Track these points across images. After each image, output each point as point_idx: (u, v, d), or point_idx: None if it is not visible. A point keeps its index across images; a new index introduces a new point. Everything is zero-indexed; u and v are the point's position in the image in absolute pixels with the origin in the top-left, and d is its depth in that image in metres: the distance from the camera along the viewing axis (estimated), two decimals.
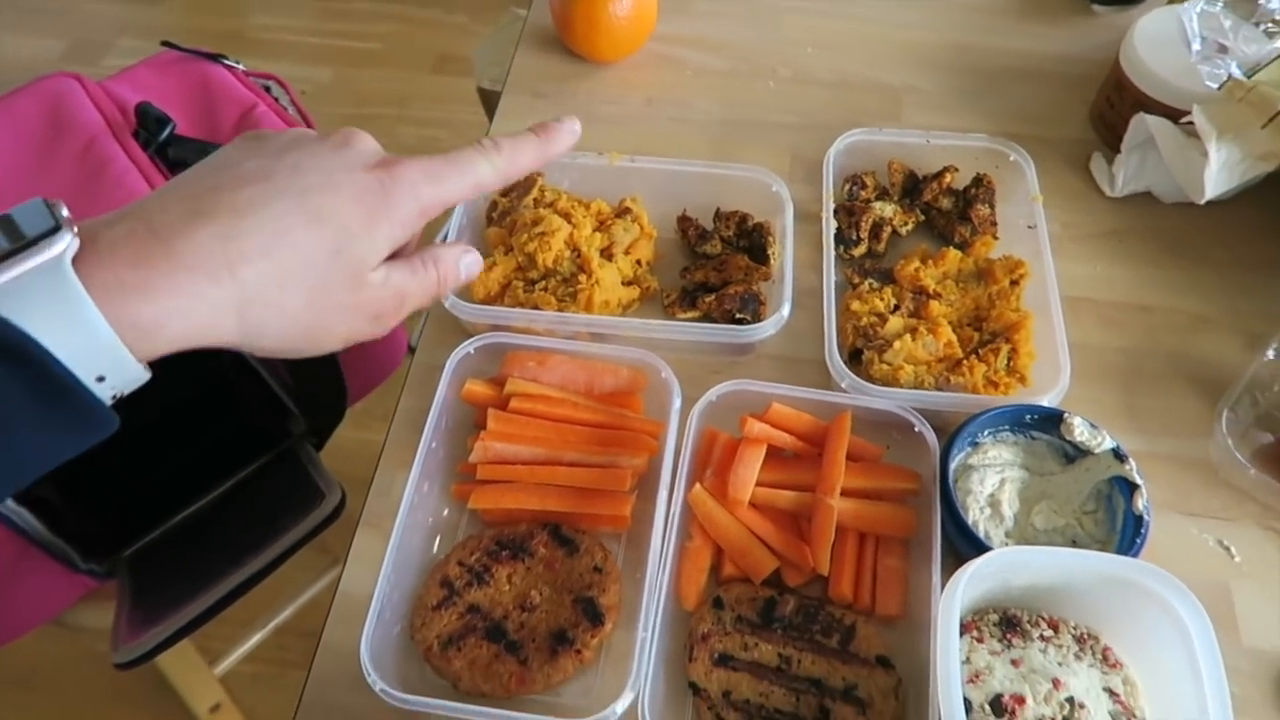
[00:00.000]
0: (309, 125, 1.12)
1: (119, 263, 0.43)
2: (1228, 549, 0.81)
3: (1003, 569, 0.69)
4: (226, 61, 1.18)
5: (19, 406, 0.40)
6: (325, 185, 0.48)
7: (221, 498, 1.23)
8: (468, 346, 0.85)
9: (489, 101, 1.79)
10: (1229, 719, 0.62)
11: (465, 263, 0.57)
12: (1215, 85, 0.92)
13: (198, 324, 0.45)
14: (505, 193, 0.97)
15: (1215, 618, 0.74)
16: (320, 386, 1.21)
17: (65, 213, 0.44)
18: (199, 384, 1.21)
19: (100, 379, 0.43)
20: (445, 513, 0.83)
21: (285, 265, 0.46)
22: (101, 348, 0.42)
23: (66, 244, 0.41)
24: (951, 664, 0.63)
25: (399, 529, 0.75)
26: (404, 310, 0.53)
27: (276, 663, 1.78)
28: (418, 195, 0.50)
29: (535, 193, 0.95)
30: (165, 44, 1.18)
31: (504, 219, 0.95)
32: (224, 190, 0.46)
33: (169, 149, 1.07)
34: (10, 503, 1.01)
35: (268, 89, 1.18)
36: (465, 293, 0.90)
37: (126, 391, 0.44)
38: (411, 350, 1.21)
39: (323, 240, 0.47)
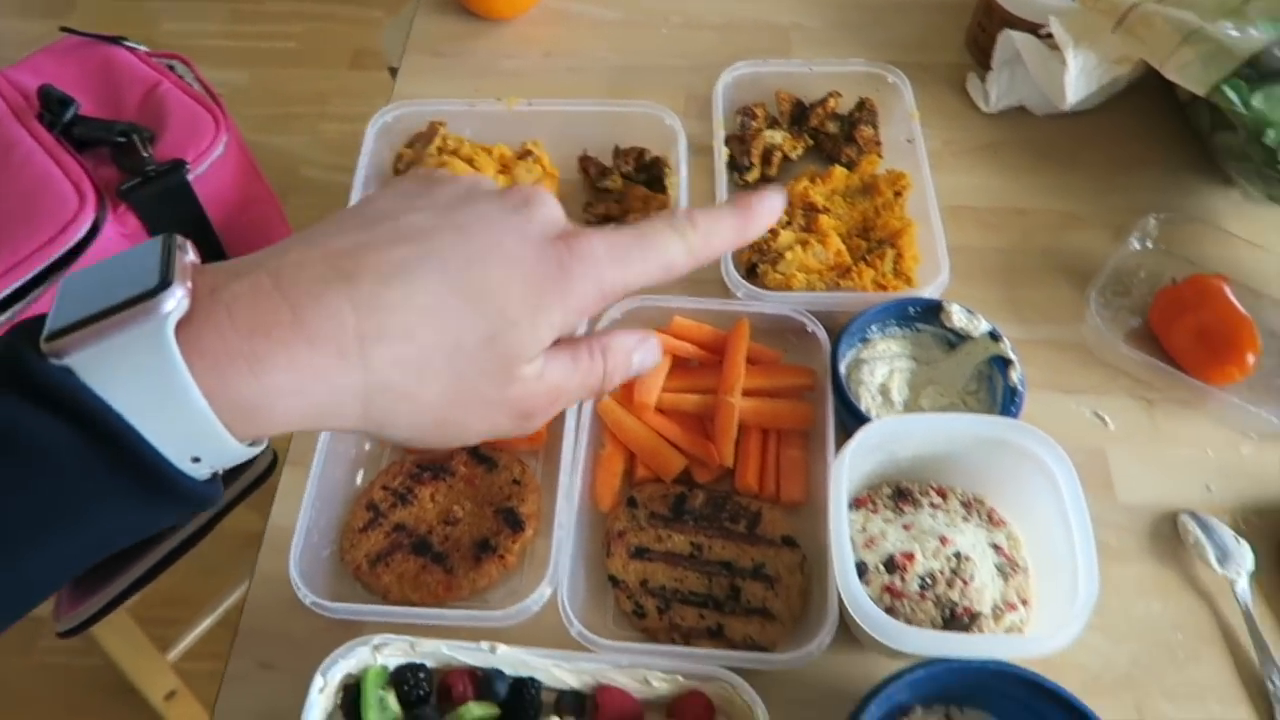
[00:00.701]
0: (215, 99, 1.13)
1: (233, 328, 0.36)
2: (1102, 419, 0.87)
3: (886, 439, 0.74)
4: (128, 44, 1.19)
5: (102, 483, 0.35)
6: (492, 256, 0.40)
7: None
8: None
9: None
10: (1093, 557, 0.68)
11: (641, 354, 0.48)
12: None
13: (313, 406, 0.38)
14: (410, 144, 1.01)
15: (1093, 480, 0.81)
16: None
17: (189, 257, 0.38)
18: None
19: (195, 460, 0.37)
20: (366, 446, 0.86)
21: (428, 350, 0.39)
22: (197, 428, 0.36)
23: (173, 306, 0.35)
24: (842, 524, 0.68)
25: (320, 457, 0.78)
26: (557, 408, 0.45)
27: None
28: (600, 277, 0.42)
29: (438, 141, 0.98)
30: (64, 29, 1.19)
31: (409, 169, 0.98)
32: (372, 248, 0.39)
33: (74, 129, 1.08)
34: None
35: (171, 68, 1.20)
36: None
37: (229, 467, 0.39)
38: None
39: (477, 324, 0.40)
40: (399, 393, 0.39)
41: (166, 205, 1.04)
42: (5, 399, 0.34)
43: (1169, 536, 0.81)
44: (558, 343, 0.43)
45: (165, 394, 0.35)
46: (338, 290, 0.38)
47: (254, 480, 1.11)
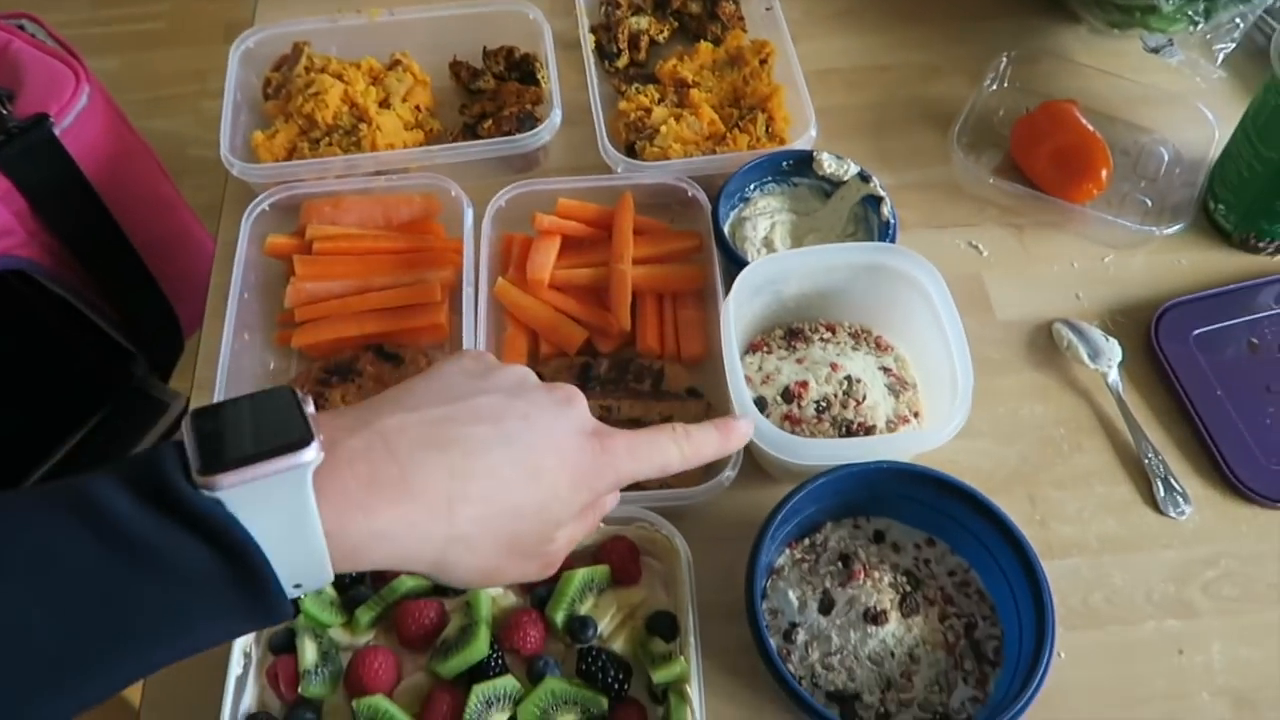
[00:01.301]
0: (71, 54, 1.10)
1: (354, 479, 0.43)
2: (976, 247, 0.92)
3: (769, 278, 0.77)
4: None
5: (219, 593, 0.40)
6: (549, 445, 0.49)
7: (77, 448, 1.23)
8: (261, 203, 0.88)
9: None
10: (968, 362, 0.72)
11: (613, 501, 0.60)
12: None
13: (403, 550, 0.45)
14: (276, 67, 1.00)
15: (973, 303, 0.86)
16: (149, 319, 1.22)
17: (311, 409, 0.44)
18: (25, 339, 1.20)
19: (297, 586, 0.42)
20: (272, 364, 0.86)
21: (497, 513, 0.47)
22: (311, 560, 0.42)
23: (313, 457, 0.41)
24: (734, 360, 0.71)
25: (222, 374, 0.79)
26: (564, 555, 0.55)
27: None
28: (618, 469, 0.53)
29: (304, 61, 0.98)
30: None
31: (279, 92, 0.98)
32: (457, 423, 0.47)
33: None
34: None
35: (21, 27, 1.16)
36: (251, 157, 0.93)
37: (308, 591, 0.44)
38: None
39: (533, 497, 0.49)
40: (469, 545, 0.47)
41: (36, 163, 1.02)
42: (158, 518, 0.39)
43: (1045, 345, 0.86)
44: None
45: (297, 532, 0.41)
46: (434, 458, 0.46)
47: (169, 427, 1.10)
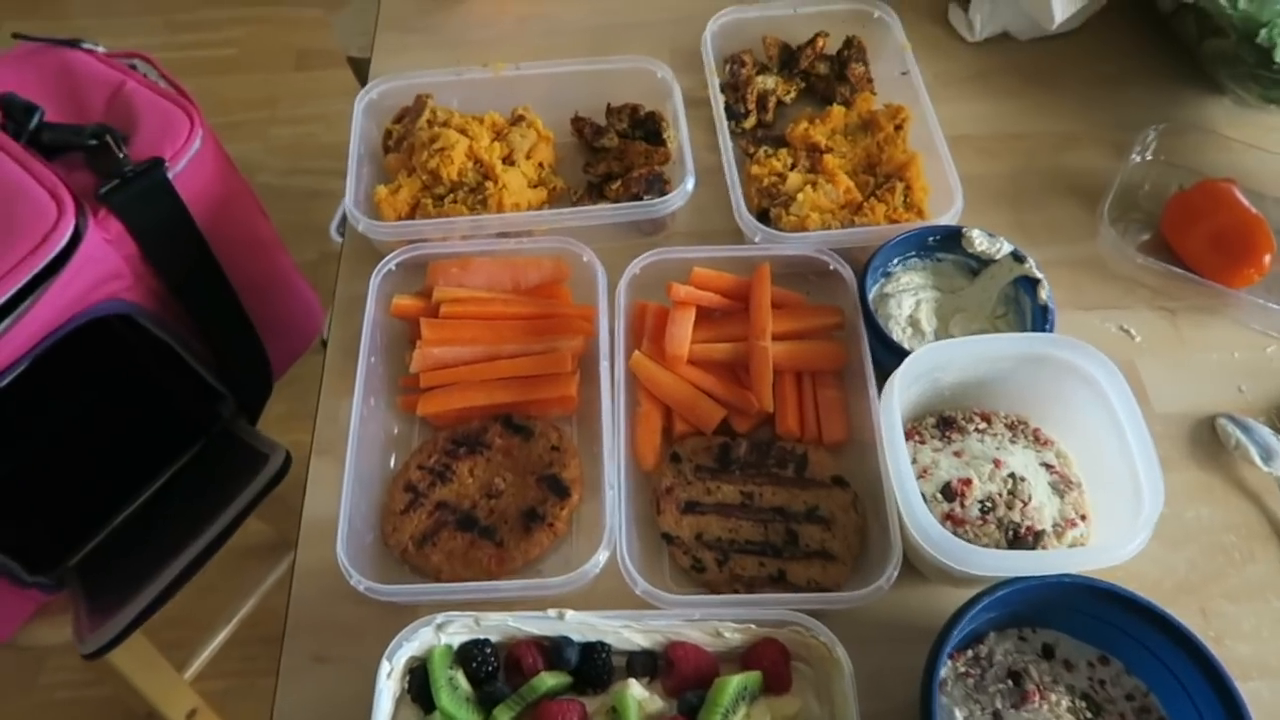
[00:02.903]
0: (184, 95, 1.09)
1: None
2: (1128, 332, 0.87)
3: (931, 367, 0.73)
4: (85, 45, 1.14)
5: None
6: None
7: (162, 490, 1.21)
8: (389, 263, 0.85)
9: (360, 70, 1.77)
10: (1153, 459, 0.68)
11: None
12: None
13: None
14: (398, 119, 0.98)
15: None
16: (242, 361, 1.20)
17: None
18: (117, 381, 1.19)
19: None
20: (396, 430, 0.83)
21: None
22: None
23: None
24: (899, 450, 0.67)
25: (353, 443, 0.76)
26: None
27: (245, 674, 1.75)
28: None
29: (427, 114, 0.96)
30: (16, 35, 1.14)
31: (400, 145, 0.96)
32: None
33: (42, 136, 1.04)
34: None
35: (134, 67, 1.15)
36: (374, 216, 0.90)
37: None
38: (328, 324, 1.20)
39: None
40: None
41: (148, 206, 1.00)
42: None
43: (1209, 442, 0.81)
44: None
45: None
46: None
47: (269, 480, 1.08)
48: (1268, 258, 0.86)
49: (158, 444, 1.22)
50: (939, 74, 1.06)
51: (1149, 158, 0.97)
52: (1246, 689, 0.69)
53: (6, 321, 0.91)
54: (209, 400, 1.22)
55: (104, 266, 0.95)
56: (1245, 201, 0.88)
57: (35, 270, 0.93)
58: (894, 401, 0.69)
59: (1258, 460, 0.78)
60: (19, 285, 0.93)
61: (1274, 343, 0.86)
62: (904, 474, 0.66)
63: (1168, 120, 0.98)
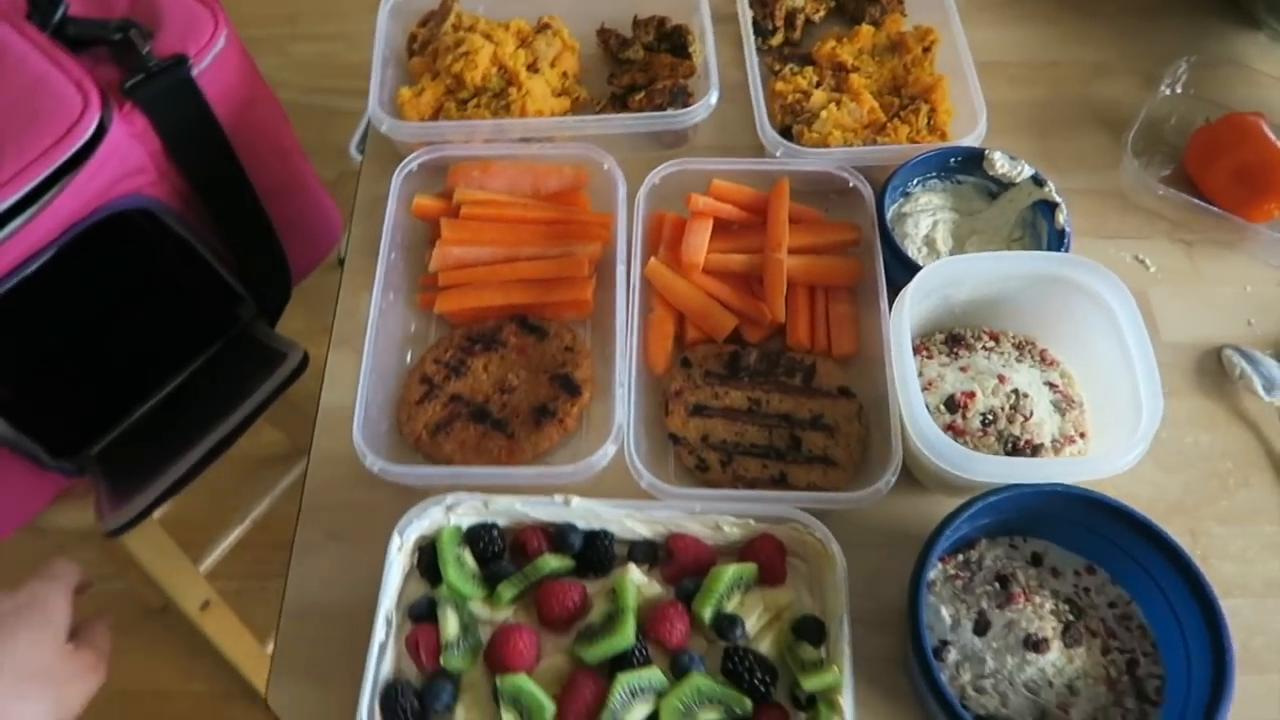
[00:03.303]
0: None
1: None
2: (1143, 262, 0.88)
3: (944, 283, 0.74)
4: None
5: None
6: None
7: (181, 387, 1.23)
8: (411, 163, 0.86)
9: None
10: (1155, 377, 0.69)
11: None
12: None
13: None
14: (423, 22, 0.98)
15: None
16: (262, 264, 1.21)
17: None
18: (142, 276, 1.21)
19: None
20: (413, 327, 0.85)
21: None
22: None
23: None
24: (906, 359, 0.69)
25: (372, 334, 0.78)
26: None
27: (256, 576, 1.79)
28: None
29: (452, 19, 0.96)
30: None
31: (425, 48, 0.96)
32: None
33: (67, 29, 1.04)
34: None
35: None
36: (398, 118, 0.91)
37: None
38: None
39: None
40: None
41: (172, 102, 1.01)
42: None
43: (1214, 371, 0.82)
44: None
45: None
46: None
47: (286, 377, 1.10)
48: None
49: (178, 343, 1.24)
50: None
51: (1179, 91, 0.96)
52: (1228, 605, 0.71)
53: (31, 210, 0.93)
54: (229, 302, 1.24)
55: (128, 161, 0.96)
56: (1271, 136, 0.88)
57: (60, 161, 0.94)
58: (904, 311, 0.70)
59: (1260, 390, 0.79)
60: (44, 175, 0.94)
61: None
62: (909, 379, 0.68)
63: (1200, 53, 0.97)
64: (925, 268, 0.72)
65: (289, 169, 1.24)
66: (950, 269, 0.73)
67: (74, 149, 0.93)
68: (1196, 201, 0.87)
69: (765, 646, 0.67)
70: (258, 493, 1.62)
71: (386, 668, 0.66)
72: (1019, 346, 0.78)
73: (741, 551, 0.70)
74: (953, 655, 0.66)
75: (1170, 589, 0.66)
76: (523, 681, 0.64)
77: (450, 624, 0.66)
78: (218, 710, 1.67)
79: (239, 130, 1.10)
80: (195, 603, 1.45)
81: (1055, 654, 0.65)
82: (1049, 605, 0.67)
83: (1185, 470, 0.77)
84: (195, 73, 1.03)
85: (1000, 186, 0.85)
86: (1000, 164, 0.83)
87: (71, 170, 0.95)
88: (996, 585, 0.68)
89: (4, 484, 1.11)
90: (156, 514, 1.34)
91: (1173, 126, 0.94)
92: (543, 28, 0.98)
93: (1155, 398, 0.67)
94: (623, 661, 0.65)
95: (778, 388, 0.78)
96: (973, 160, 0.84)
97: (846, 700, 0.63)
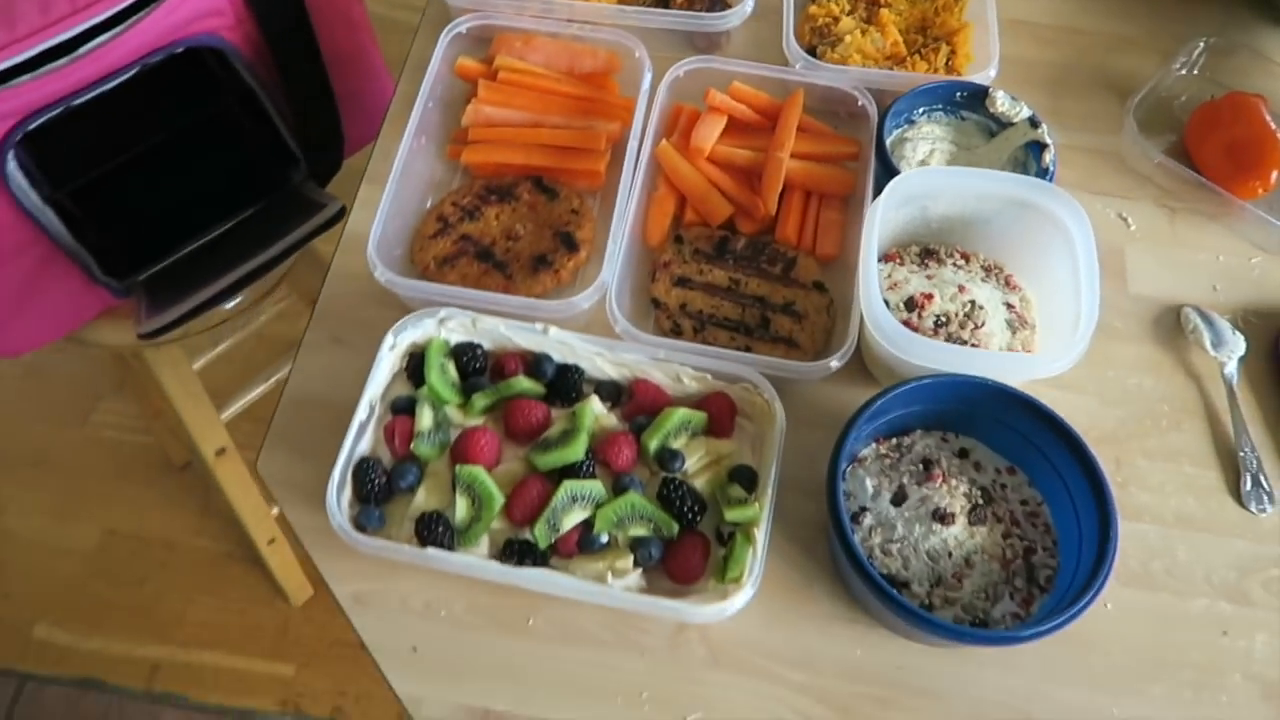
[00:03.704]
0: None
1: None
2: (1125, 220, 0.93)
3: (920, 193, 0.80)
4: None
5: None
6: None
7: (227, 233, 1.32)
8: (459, 25, 0.94)
9: None
10: (1095, 301, 0.74)
11: None
12: None
13: None
14: None
15: (1108, 270, 0.87)
16: (319, 127, 1.29)
17: None
18: (207, 116, 1.30)
19: None
20: (439, 174, 0.93)
21: None
22: None
23: None
24: (872, 245, 0.75)
25: (398, 166, 0.85)
26: None
27: None
28: None
29: None
30: None
31: None
32: None
33: None
34: (36, 201, 1.09)
35: None
36: None
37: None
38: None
39: None
40: None
41: None
42: None
43: (1170, 326, 0.87)
44: None
45: None
46: None
47: (321, 224, 1.18)
48: (1276, 174, 0.90)
49: (231, 190, 1.33)
50: None
51: (1195, 72, 1.00)
52: (1137, 529, 0.78)
53: (115, 30, 1.01)
54: (283, 161, 1.32)
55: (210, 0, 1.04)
56: (1268, 118, 0.92)
57: None
58: (876, 211, 0.76)
59: (1208, 346, 0.84)
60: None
61: (1260, 255, 0.91)
62: (870, 266, 0.74)
63: (1221, 38, 1.01)
64: (903, 174, 0.77)
65: (355, 42, 1.31)
66: (924, 179, 0.79)
67: None
68: (1189, 172, 0.92)
69: (700, 484, 0.74)
70: (282, 364, 1.71)
71: (364, 447, 0.75)
72: (987, 269, 0.84)
73: (698, 403, 0.77)
74: (868, 520, 0.73)
75: (1078, 494, 0.71)
76: (479, 472, 0.71)
77: (425, 417, 0.74)
78: (218, 566, 1.78)
79: (326, 40, 1.17)
80: (212, 447, 1.54)
81: (959, 528, 0.71)
82: (963, 489, 0.73)
83: (1124, 406, 0.83)
84: None
85: (1000, 127, 0.90)
86: (1001, 102, 0.88)
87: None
88: (920, 466, 0.75)
89: (57, 288, 1.20)
90: (196, 365, 1.44)
91: (1181, 104, 0.99)
92: None
93: (1092, 311, 0.72)
94: (571, 472, 0.72)
95: (758, 273, 0.85)
96: (976, 97, 0.90)
97: (761, 534, 0.70)
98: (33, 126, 0.94)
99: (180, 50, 1.02)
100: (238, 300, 1.28)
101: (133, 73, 0.99)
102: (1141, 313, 0.88)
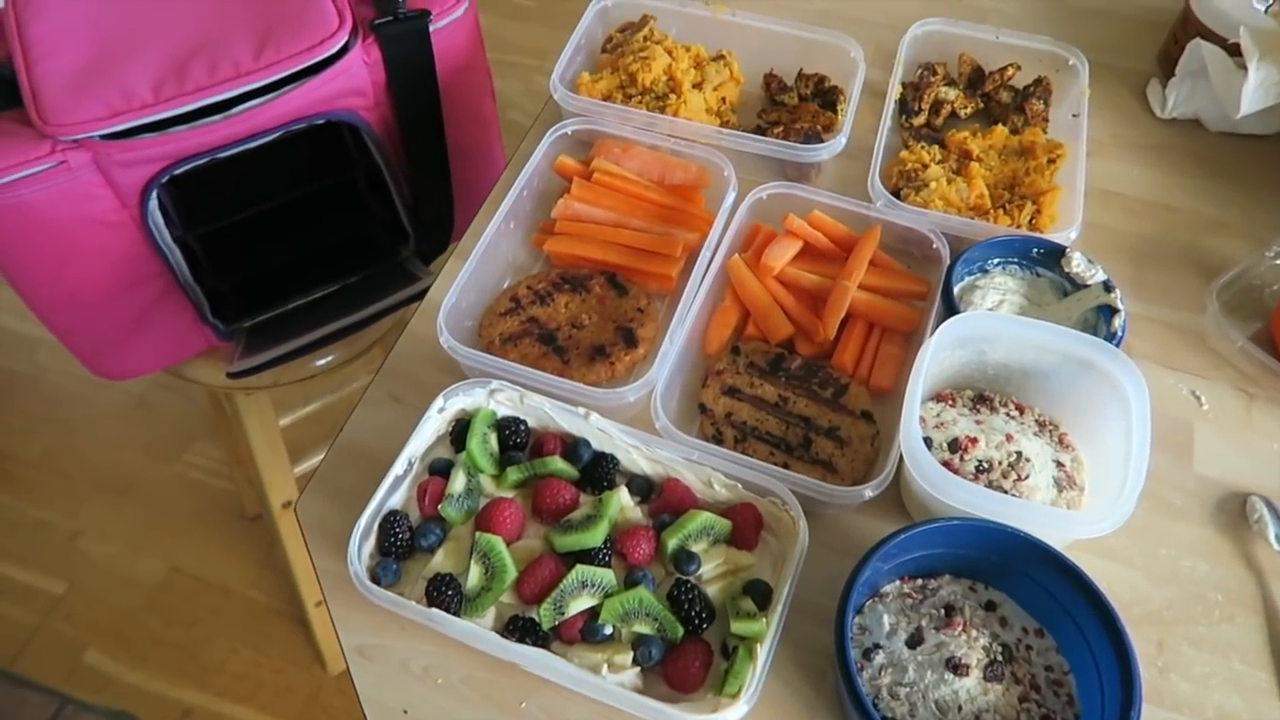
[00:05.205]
0: None
1: None
2: (1198, 398, 0.90)
3: (978, 334, 0.80)
4: None
5: None
6: None
7: (331, 294, 1.41)
8: (565, 126, 1.00)
9: None
10: (1143, 465, 0.71)
11: None
12: (1262, 7, 1.02)
13: None
14: (621, 29, 1.13)
15: (1173, 445, 0.85)
16: (433, 210, 1.38)
17: None
18: (335, 184, 1.40)
19: None
20: (522, 258, 0.98)
21: None
22: None
23: None
24: (919, 378, 0.75)
25: (481, 246, 0.91)
26: None
27: None
28: None
29: (645, 31, 1.10)
30: None
31: (616, 49, 1.11)
32: None
33: None
34: (166, 239, 1.19)
35: None
36: (572, 88, 1.05)
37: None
38: None
39: None
40: None
41: (406, 46, 1.19)
42: None
43: (1234, 513, 0.83)
44: None
45: None
46: None
47: (415, 294, 1.25)
48: None
49: (342, 255, 1.42)
50: (1117, 135, 1.11)
51: None
52: (1169, 718, 0.73)
53: (270, 96, 1.12)
54: (394, 235, 1.42)
55: (355, 81, 1.14)
56: None
57: (306, 63, 1.14)
58: (929, 347, 0.77)
59: (1272, 539, 0.80)
60: (291, 70, 1.13)
61: None
62: (914, 397, 0.74)
63: None
64: (961, 315, 0.78)
65: (480, 135, 1.41)
66: (981, 322, 0.79)
67: (320, 57, 1.12)
68: (1272, 362, 0.89)
69: (713, 592, 0.73)
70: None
71: (395, 501, 0.77)
72: (1041, 424, 0.82)
73: (725, 510, 0.77)
74: (880, 658, 0.70)
75: (1107, 673, 0.67)
76: (498, 542, 0.73)
77: (458, 481, 0.76)
78: (265, 621, 1.82)
79: (450, 88, 1.28)
80: (280, 499, 1.59)
81: (973, 682, 0.68)
82: (983, 641, 0.70)
83: (1173, 587, 0.79)
84: (432, 28, 1.22)
85: (1075, 288, 0.90)
86: (1077, 263, 0.88)
87: (312, 74, 1.13)
88: (941, 611, 0.72)
89: (169, 322, 1.29)
90: (284, 420, 1.51)
91: (1272, 292, 0.97)
92: (718, 57, 1.11)
93: (1139, 473, 0.70)
94: (586, 557, 0.73)
95: (808, 394, 0.85)
96: (1053, 255, 0.90)
97: (765, 651, 0.68)
98: (179, 172, 1.04)
99: (321, 121, 1.11)
100: (330, 359, 1.34)
101: (275, 135, 1.08)
102: (1205, 494, 0.84)
